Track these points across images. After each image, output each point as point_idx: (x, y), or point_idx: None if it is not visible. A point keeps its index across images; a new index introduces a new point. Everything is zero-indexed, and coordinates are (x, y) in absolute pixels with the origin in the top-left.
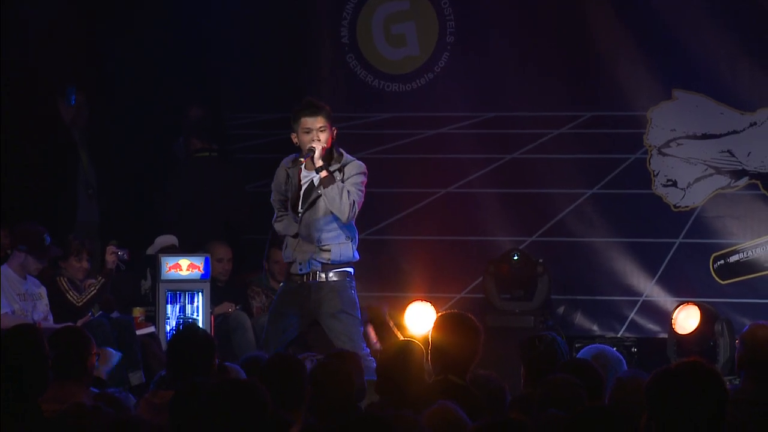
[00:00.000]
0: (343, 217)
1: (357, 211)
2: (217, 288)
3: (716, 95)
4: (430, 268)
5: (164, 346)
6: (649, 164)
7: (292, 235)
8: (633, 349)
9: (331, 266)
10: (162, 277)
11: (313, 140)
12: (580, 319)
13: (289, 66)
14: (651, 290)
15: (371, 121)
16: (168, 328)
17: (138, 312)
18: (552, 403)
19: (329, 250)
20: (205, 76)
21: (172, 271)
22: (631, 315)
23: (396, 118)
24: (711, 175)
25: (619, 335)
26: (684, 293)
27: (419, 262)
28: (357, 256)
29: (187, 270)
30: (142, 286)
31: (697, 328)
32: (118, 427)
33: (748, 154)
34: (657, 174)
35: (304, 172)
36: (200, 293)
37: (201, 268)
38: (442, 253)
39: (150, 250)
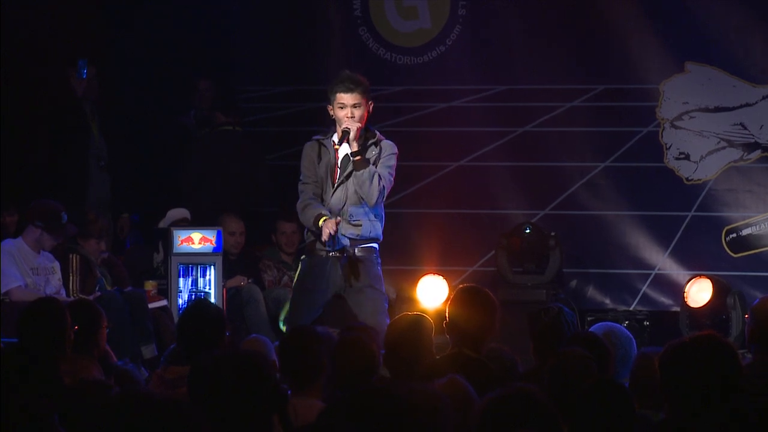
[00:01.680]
0: (370, 202)
1: (385, 195)
2: (230, 261)
3: (729, 68)
4: (443, 242)
5: (176, 319)
6: (662, 137)
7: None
8: (645, 323)
9: (359, 241)
10: (174, 251)
11: (347, 117)
12: (592, 292)
13: (301, 39)
14: (663, 263)
15: (382, 94)
16: (180, 301)
17: (150, 285)
18: (563, 376)
19: (360, 225)
20: (216, 48)
21: (185, 244)
22: (644, 288)
23: (407, 91)
24: (723, 148)
25: (631, 309)
26: (696, 266)
27: (431, 236)
28: (382, 236)
29: (199, 243)
30: (154, 260)
31: (709, 302)
32: (128, 402)
33: (761, 127)
34: (669, 147)
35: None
36: (212, 266)
37: (213, 242)
38: (454, 226)
39: (162, 224)
